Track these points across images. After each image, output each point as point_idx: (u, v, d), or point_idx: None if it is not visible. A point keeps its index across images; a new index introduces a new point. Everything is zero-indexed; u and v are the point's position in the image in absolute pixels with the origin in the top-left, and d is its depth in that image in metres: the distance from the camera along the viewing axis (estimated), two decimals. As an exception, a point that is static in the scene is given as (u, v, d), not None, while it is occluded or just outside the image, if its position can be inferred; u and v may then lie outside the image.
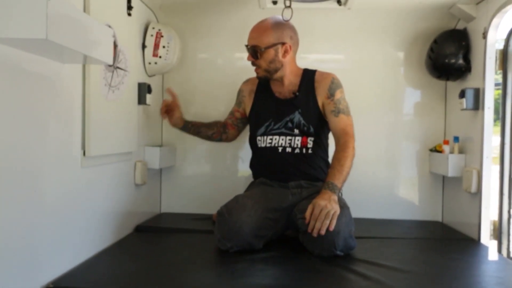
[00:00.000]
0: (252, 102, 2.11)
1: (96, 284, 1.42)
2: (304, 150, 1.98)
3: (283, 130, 1.98)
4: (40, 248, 1.35)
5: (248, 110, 2.13)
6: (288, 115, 1.99)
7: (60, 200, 1.46)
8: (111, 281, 1.46)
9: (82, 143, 1.60)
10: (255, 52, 1.96)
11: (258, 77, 2.04)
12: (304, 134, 1.97)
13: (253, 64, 2.00)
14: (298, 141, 1.97)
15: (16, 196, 1.24)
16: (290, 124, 1.98)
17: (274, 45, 1.93)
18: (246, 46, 1.99)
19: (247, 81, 2.18)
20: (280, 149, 1.98)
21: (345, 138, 1.90)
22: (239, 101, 2.18)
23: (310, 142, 1.98)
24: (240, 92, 2.19)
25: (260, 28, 1.96)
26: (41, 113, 1.35)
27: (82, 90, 1.60)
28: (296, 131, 1.97)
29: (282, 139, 1.98)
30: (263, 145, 2.01)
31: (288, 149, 1.97)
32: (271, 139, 1.99)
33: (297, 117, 1.98)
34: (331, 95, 1.97)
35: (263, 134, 2.02)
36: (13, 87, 1.22)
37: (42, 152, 1.35)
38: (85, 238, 1.65)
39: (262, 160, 2.05)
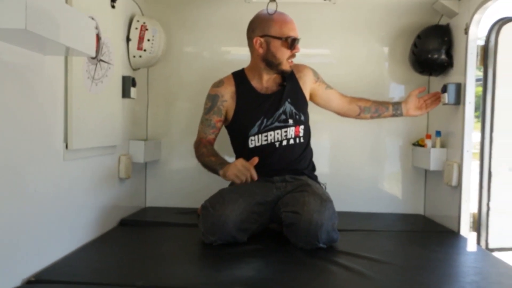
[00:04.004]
0: (235, 104, 1.99)
1: (78, 277, 1.41)
2: (297, 140, 1.99)
3: (277, 123, 1.97)
4: (22, 242, 1.34)
5: (231, 113, 2.00)
6: (280, 108, 1.97)
7: (42, 193, 1.45)
8: (94, 274, 1.46)
9: (64, 136, 1.59)
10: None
11: (290, 70, 1.98)
12: (296, 123, 1.99)
13: (294, 56, 1.95)
14: (292, 131, 1.98)
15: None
16: (283, 116, 1.97)
17: None
18: (296, 38, 1.91)
19: (222, 84, 2.02)
20: (277, 144, 1.96)
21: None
22: (218, 109, 1.99)
23: (301, 130, 2.00)
24: (217, 97, 1.99)
25: None
26: (21, 106, 1.33)
27: (64, 83, 1.59)
28: (291, 121, 1.97)
29: (278, 133, 1.97)
30: (257, 144, 1.97)
31: (284, 142, 1.97)
32: (267, 136, 1.96)
33: (288, 107, 1.98)
34: (317, 79, 2.11)
35: (256, 133, 1.97)
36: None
37: (23, 145, 1.34)
38: (68, 232, 1.64)
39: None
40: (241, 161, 1.80)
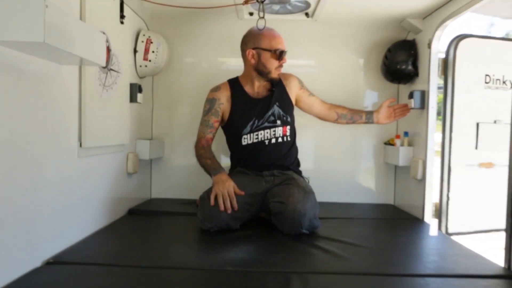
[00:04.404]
0: (230, 106, 2.01)
1: (91, 259, 1.42)
2: (285, 138, 2.01)
3: (267, 124, 1.98)
4: (42, 228, 1.35)
5: (227, 115, 2.02)
6: (269, 110, 1.99)
7: (59, 185, 1.45)
8: (105, 256, 1.47)
9: (78, 135, 1.59)
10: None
11: (276, 78, 1.98)
12: (283, 123, 2.01)
13: (282, 66, 1.98)
14: (280, 131, 1.99)
15: (20, 183, 1.23)
16: (272, 117, 1.99)
17: None
18: (283, 51, 1.94)
19: (218, 89, 2.03)
20: (267, 142, 1.98)
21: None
22: (215, 110, 2.00)
23: (288, 130, 2.02)
24: (215, 100, 2.01)
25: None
26: (41, 109, 1.34)
27: (78, 89, 1.59)
28: (278, 122, 2.00)
29: (267, 132, 1.98)
30: (250, 141, 1.99)
31: (273, 140, 1.98)
32: (257, 134, 1.98)
33: (276, 109, 2.00)
34: (302, 86, 2.14)
35: (249, 132, 1.98)
36: (16, 86, 1.21)
37: (42, 143, 1.35)
38: (82, 220, 1.65)
39: (246, 155, 2.01)
40: (229, 186, 1.79)
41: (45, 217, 1.37)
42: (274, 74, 1.97)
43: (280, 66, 1.97)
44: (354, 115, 2.17)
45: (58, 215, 1.45)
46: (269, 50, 1.92)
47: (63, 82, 1.47)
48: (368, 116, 2.17)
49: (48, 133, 1.38)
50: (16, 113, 1.21)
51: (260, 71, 1.96)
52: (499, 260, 1.43)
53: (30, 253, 1.30)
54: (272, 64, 1.94)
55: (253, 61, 1.96)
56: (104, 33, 1.72)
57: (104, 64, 1.47)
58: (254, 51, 1.94)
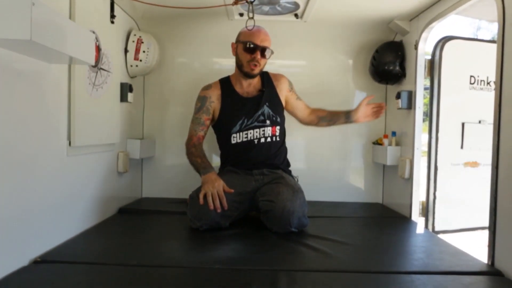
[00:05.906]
0: (220, 105, 2.00)
1: (80, 258, 1.40)
2: (274, 138, 2.00)
3: (256, 123, 1.98)
4: (30, 227, 1.33)
5: (217, 113, 2.01)
6: (259, 110, 1.98)
7: (48, 184, 1.43)
8: (94, 255, 1.45)
9: (68, 134, 1.57)
10: (264, 52, 1.91)
11: (253, 74, 1.94)
12: (273, 123, 2.00)
13: (256, 62, 1.90)
14: (269, 131, 1.99)
15: (8, 181, 1.21)
16: (262, 117, 1.99)
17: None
18: (256, 45, 1.89)
19: (210, 88, 2.03)
20: (256, 141, 1.97)
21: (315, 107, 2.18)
22: (206, 108, 1.99)
23: (277, 130, 2.01)
24: (206, 98, 2.01)
25: (267, 34, 1.94)
26: (30, 108, 1.32)
27: (68, 88, 1.57)
28: (268, 122, 1.99)
29: (257, 132, 1.98)
30: (239, 140, 1.98)
31: (262, 139, 1.98)
32: (247, 133, 1.97)
33: (266, 110, 2.00)
34: (291, 89, 2.13)
35: (238, 131, 1.98)
36: (5, 84, 1.19)
37: (31, 142, 1.33)
38: (72, 218, 1.63)
39: (236, 154, 2.00)
40: (219, 185, 1.78)
41: (33, 215, 1.35)
42: (247, 68, 1.93)
43: (253, 60, 1.91)
44: (333, 117, 2.14)
45: (47, 214, 1.43)
46: (242, 42, 1.93)
47: (52, 81, 1.45)
48: (347, 116, 2.12)
49: (37, 131, 1.36)
50: (5, 111, 1.19)
51: (238, 64, 1.99)
52: (484, 257, 1.45)
53: (17, 252, 1.27)
54: (244, 56, 1.93)
55: (233, 54, 1.99)
56: (94, 32, 1.71)
57: (93, 63, 1.46)
58: (235, 45, 1.98)
